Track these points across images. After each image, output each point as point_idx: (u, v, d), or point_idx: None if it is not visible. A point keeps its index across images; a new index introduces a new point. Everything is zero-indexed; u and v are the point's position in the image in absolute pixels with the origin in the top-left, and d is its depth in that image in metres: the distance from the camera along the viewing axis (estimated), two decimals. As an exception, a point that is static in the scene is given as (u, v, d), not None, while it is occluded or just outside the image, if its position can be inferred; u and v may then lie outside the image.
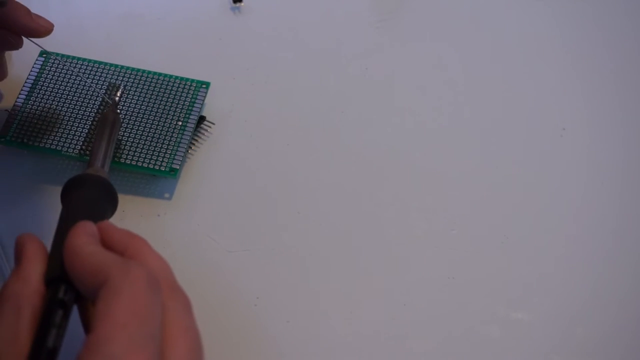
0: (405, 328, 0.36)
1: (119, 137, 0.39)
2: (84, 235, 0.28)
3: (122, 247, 0.29)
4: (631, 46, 0.47)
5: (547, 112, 0.44)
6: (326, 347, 0.36)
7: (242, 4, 0.47)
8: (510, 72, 0.45)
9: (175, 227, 0.39)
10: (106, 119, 0.38)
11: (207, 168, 0.41)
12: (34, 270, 0.28)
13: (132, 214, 0.39)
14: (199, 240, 0.39)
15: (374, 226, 0.39)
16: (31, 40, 0.39)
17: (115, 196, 0.34)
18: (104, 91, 0.41)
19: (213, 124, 0.42)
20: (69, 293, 0.27)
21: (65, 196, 0.33)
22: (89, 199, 0.32)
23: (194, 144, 0.41)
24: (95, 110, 0.41)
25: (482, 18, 0.48)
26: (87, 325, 0.29)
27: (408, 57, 0.46)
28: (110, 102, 0.40)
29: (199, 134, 0.42)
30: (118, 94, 0.41)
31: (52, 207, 0.39)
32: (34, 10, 0.47)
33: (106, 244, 0.29)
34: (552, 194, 0.41)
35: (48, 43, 0.44)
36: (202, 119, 0.42)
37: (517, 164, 0.42)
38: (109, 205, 0.33)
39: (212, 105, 0.43)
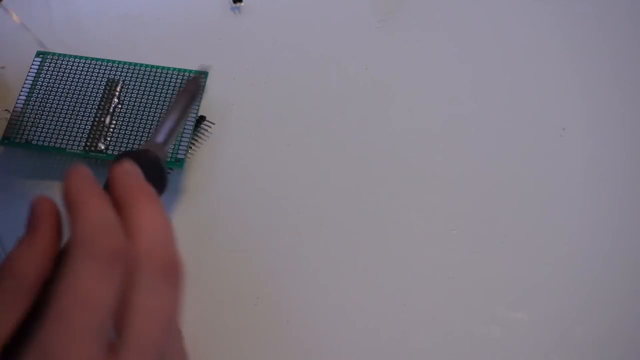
0: (405, 328, 0.36)
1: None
2: (78, 177, 0.25)
3: (122, 203, 0.26)
4: (631, 46, 0.47)
5: (547, 112, 0.44)
6: (326, 347, 0.36)
7: (242, 4, 0.47)
8: (510, 72, 0.45)
9: (175, 226, 0.39)
10: (185, 90, 0.35)
11: (207, 168, 0.41)
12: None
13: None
14: (199, 240, 0.39)
15: (374, 226, 0.39)
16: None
17: (163, 178, 0.31)
18: (101, 98, 0.41)
19: (213, 123, 0.42)
20: None
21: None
22: None
23: (194, 144, 0.41)
24: (96, 108, 0.41)
25: (482, 18, 0.48)
26: None
27: (408, 57, 0.46)
28: (199, 72, 0.37)
29: (199, 134, 0.42)
30: (118, 89, 0.41)
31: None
32: (34, 9, 0.48)
33: (112, 190, 0.26)
34: (552, 194, 0.41)
35: (48, 43, 0.44)
36: (202, 118, 0.42)
37: (517, 163, 0.42)
38: (155, 186, 0.29)
39: (212, 105, 0.43)
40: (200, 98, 0.41)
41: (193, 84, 0.35)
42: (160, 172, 0.31)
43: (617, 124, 0.44)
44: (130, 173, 0.27)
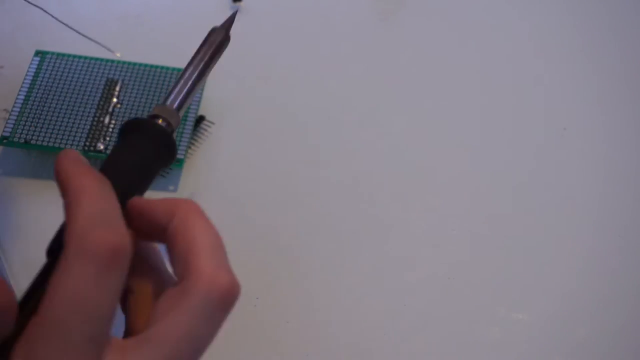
0: (405, 328, 0.36)
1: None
2: (69, 157, 0.24)
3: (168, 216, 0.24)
4: (632, 46, 0.47)
5: (548, 112, 0.44)
6: (326, 347, 0.36)
7: (242, 3, 0.47)
8: (511, 71, 0.45)
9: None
10: (209, 42, 0.30)
11: (207, 168, 0.41)
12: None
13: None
14: (198, 240, 0.38)
15: (373, 226, 0.39)
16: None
17: (169, 150, 0.27)
18: (100, 97, 0.41)
19: (213, 123, 0.42)
20: None
21: (120, 136, 0.27)
22: (142, 150, 0.26)
23: (193, 144, 0.41)
24: (95, 107, 0.41)
25: (483, 17, 0.48)
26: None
27: (408, 56, 0.46)
28: (227, 22, 0.31)
29: (198, 134, 0.42)
30: (117, 89, 0.41)
31: (57, 205, 0.38)
32: (33, 9, 0.48)
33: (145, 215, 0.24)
34: (552, 194, 0.41)
35: (48, 43, 0.44)
36: (201, 118, 0.42)
37: (518, 163, 0.42)
38: (158, 160, 0.27)
39: (212, 105, 0.43)
40: (202, 94, 0.41)
41: (220, 35, 0.30)
42: (168, 144, 0.27)
43: (617, 124, 0.44)
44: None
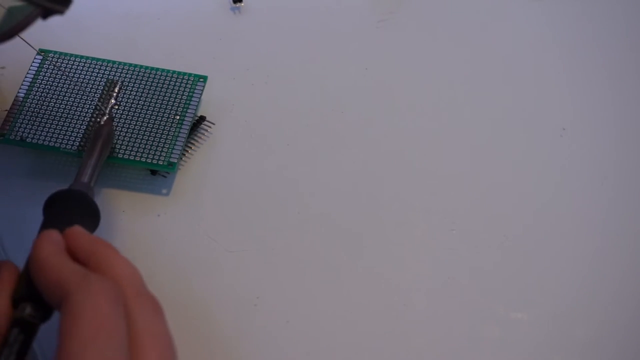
0: (405, 328, 0.36)
1: (113, 145, 0.39)
2: (49, 244, 0.28)
3: (88, 254, 0.29)
4: (631, 46, 0.47)
5: (547, 112, 0.44)
6: (326, 347, 0.36)
7: (242, 4, 0.47)
8: (510, 72, 0.45)
9: (174, 226, 0.39)
10: (99, 133, 0.38)
11: (207, 168, 0.41)
12: (3, 292, 0.28)
13: (131, 213, 0.39)
14: (198, 240, 0.39)
15: (373, 226, 0.39)
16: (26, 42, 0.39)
17: (97, 213, 0.34)
18: (99, 98, 0.41)
19: (213, 124, 0.42)
20: (33, 310, 0.28)
21: (46, 210, 0.33)
22: (69, 214, 0.32)
23: (194, 144, 0.41)
24: (93, 108, 0.41)
25: (482, 18, 0.48)
26: None
27: (408, 56, 0.46)
28: (107, 114, 0.40)
29: (199, 134, 0.42)
30: (116, 90, 0.41)
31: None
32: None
33: (73, 251, 0.29)
34: (552, 194, 0.41)
35: (48, 42, 0.44)
36: (202, 118, 0.42)
37: (517, 163, 0.42)
38: (90, 222, 0.33)
39: (212, 105, 0.43)
40: (200, 98, 0.41)
41: (106, 128, 0.38)
42: (94, 209, 0.34)
43: (616, 124, 0.44)
44: (80, 233, 0.30)
